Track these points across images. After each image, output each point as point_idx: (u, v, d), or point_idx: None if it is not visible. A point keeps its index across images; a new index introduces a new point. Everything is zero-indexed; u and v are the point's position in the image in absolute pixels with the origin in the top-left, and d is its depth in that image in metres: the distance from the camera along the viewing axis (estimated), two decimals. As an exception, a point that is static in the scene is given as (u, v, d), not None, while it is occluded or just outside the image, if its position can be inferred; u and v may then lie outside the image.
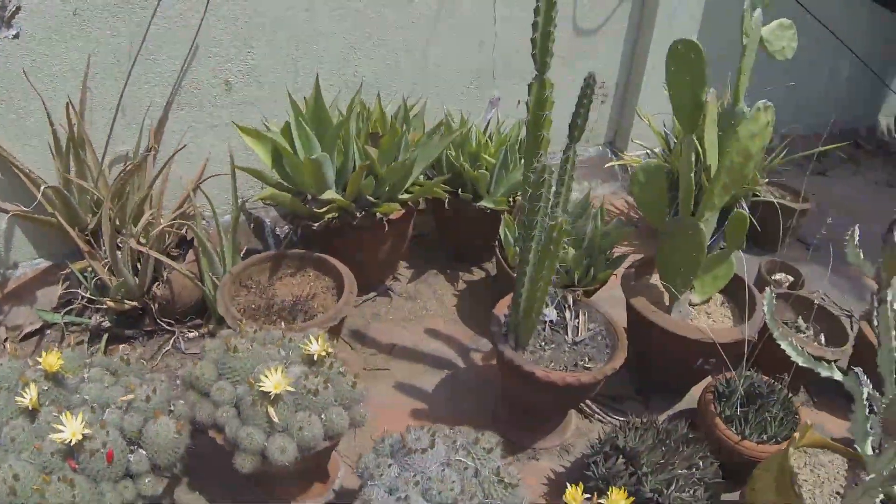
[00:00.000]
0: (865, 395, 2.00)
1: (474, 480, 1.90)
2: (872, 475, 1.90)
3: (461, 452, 1.97)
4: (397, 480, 1.88)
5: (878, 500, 2.00)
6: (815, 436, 2.26)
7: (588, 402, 2.89)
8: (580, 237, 3.15)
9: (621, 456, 2.27)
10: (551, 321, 2.59)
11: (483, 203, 3.38)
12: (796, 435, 2.19)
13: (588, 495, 1.78)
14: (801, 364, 2.06)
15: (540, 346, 2.52)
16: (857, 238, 1.91)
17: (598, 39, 4.58)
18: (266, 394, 1.90)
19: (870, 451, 1.99)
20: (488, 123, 3.76)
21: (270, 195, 2.89)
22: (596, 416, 2.87)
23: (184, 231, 3.06)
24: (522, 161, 2.54)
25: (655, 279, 3.10)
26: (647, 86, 4.71)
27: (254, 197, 2.93)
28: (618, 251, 3.34)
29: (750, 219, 3.27)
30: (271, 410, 1.90)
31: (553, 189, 2.29)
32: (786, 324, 3.22)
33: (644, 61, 4.68)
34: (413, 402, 2.83)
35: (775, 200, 4.15)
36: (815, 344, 3.06)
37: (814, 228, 4.78)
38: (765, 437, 2.51)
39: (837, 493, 2.13)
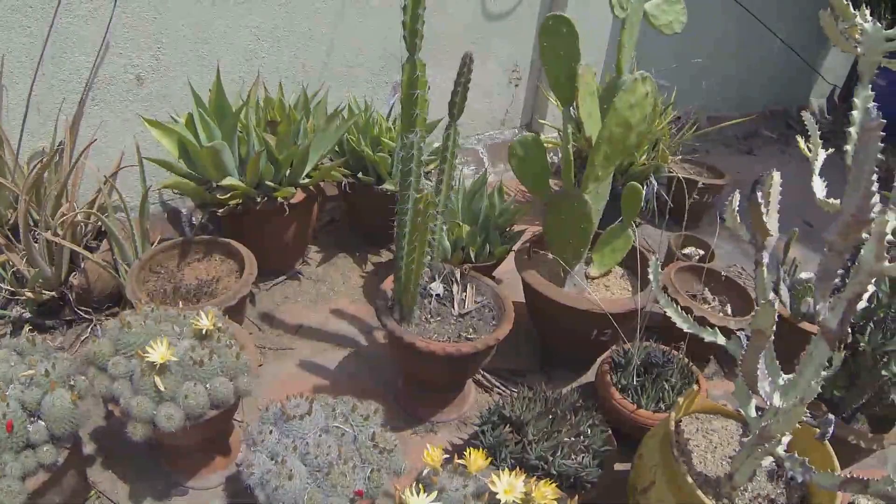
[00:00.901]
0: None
1: (352, 446, 2.03)
2: (751, 435, 1.93)
3: (339, 419, 2.11)
4: (278, 446, 2.01)
5: (766, 463, 2.12)
6: (706, 401, 2.33)
7: (488, 376, 3.02)
8: (475, 214, 3.29)
9: (508, 425, 2.36)
10: (438, 295, 2.71)
11: (385, 186, 3.53)
12: (680, 400, 2.24)
13: (447, 455, 1.92)
14: (685, 330, 2.06)
15: (426, 318, 2.63)
16: (735, 204, 2.00)
17: (510, 23, 4.71)
18: (153, 364, 2.04)
19: (753, 413, 2.01)
20: (391, 109, 3.87)
21: (174, 183, 3.00)
22: (495, 389, 2.98)
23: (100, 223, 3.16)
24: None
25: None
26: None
27: (157, 185, 3.04)
28: (520, 229, 3.49)
29: (661, 194, 3.43)
30: (157, 380, 2.03)
31: (432, 166, 2.39)
32: (693, 296, 3.35)
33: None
34: (316, 379, 2.95)
35: (681, 175, 4.28)
36: (720, 314, 3.19)
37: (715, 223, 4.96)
38: (662, 407, 2.61)
39: (730, 457, 2.17)
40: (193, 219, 3.59)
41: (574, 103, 2.55)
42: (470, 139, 4.96)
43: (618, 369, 2.76)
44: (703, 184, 4.40)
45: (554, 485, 1.77)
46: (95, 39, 3.14)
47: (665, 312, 2.10)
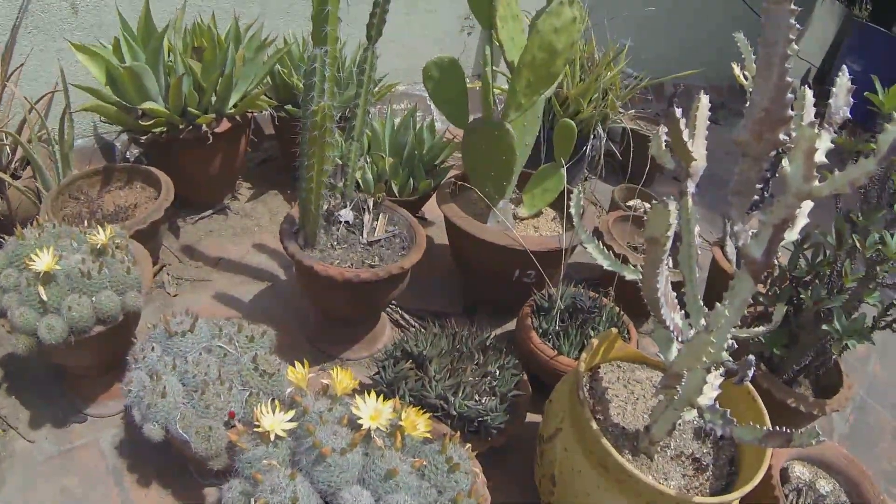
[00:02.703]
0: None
1: (233, 368, 2.04)
2: (660, 382, 1.83)
3: (223, 339, 2.13)
4: (158, 364, 2.03)
5: (691, 417, 2.01)
6: (630, 349, 2.25)
7: (406, 315, 3.04)
8: (401, 147, 3.29)
9: (411, 360, 2.31)
10: (347, 222, 2.71)
11: (317, 119, 3.52)
12: (594, 341, 2.12)
13: (320, 369, 1.92)
14: (606, 267, 1.96)
15: (331, 245, 2.63)
16: (662, 135, 1.90)
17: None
18: (38, 274, 2.04)
19: (672, 357, 1.86)
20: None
21: (93, 105, 2.97)
22: (412, 328, 2.97)
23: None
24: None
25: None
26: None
27: (78, 108, 3.03)
28: (452, 167, 3.49)
29: (612, 149, 3.40)
30: (41, 289, 2.03)
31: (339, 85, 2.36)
32: (634, 248, 3.34)
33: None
34: (228, 311, 2.97)
35: (630, 127, 4.31)
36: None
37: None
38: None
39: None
40: (128, 153, 3.59)
41: (494, 26, 2.51)
42: (418, 86, 4.95)
43: (540, 313, 2.70)
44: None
45: (427, 415, 1.72)
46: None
47: (588, 251, 2.02)
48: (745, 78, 2.11)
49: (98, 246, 2.22)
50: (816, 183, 1.34)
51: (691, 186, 1.71)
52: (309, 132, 2.33)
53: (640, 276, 1.69)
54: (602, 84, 4.07)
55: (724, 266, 3.08)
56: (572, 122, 2.83)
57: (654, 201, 1.55)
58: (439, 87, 2.82)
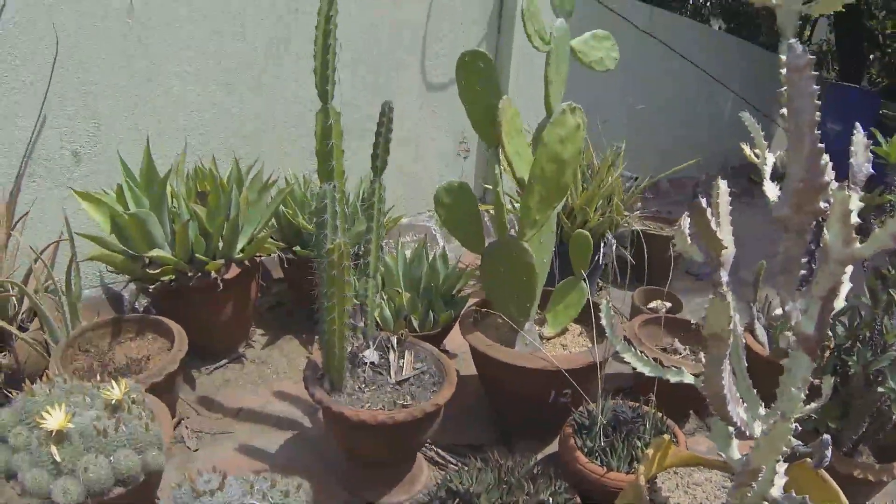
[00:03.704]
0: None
1: None
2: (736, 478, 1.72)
3: (256, 496, 1.98)
4: None
5: None
6: (684, 452, 2.15)
7: (441, 452, 2.87)
8: (416, 280, 3.19)
9: (457, 499, 2.15)
10: (373, 363, 2.59)
11: (327, 260, 3.43)
12: (648, 451, 2.05)
13: None
14: (647, 374, 1.91)
15: (359, 388, 2.50)
16: (685, 226, 1.84)
17: (453, 93, 4.66)
18: (50, 433, 1.90)
19: (736, 455, 1.80)
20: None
21: (100, 255, 2.89)
22: (451, 465, 2.82)
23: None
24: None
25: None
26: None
27: (85, 257, 2.94)
28: (469, 295, 3.39)
29: (623, 253, 3.31)
30: (54, 449, 1.89)
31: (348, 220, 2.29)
32: (663, 349, 3.22)
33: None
34: (255, 463, 2.80)
35: (639, 229, 4.21)
36: (692, 362, 3.04)
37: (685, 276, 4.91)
38: (637, 467, 2.34)
39: None
40: (137, 304, 3.48)
41: (500, 143, 2.46)
42: (421, 216, 4.89)
43: (582, 431, 2.56)
44: (666, 235, 4.33)
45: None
46: (31, 114, 3.08)
47: (626, 361, 1.96)
48: (757, 156, 2.02)
49: (113, 401, 2.09)
50: (857, 245, 1.31)
51: (724, 276, 1.61)
52: (326, 272, 2.24)
53: (702, 376, 1.63)
54: (604, 190, 4.03)
55: (757, 349, 2.99)
56: (587, 233, 2.79)
57: (710, 296, 1.45)
58: (451, 212, 2.76)
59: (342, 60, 2.23)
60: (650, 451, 2.02)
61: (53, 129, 3.16)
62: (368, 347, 2.63)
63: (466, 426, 3.04)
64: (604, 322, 2.05)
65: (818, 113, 1.22)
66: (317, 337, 3.54)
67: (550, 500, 2.13)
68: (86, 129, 3.26)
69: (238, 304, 3.33)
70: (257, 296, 3.50)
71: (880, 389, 2.22)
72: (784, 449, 1.55)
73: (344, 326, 2.33)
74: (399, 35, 4.34)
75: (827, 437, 1.60)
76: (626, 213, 4.16)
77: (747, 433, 1.67)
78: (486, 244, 2.76)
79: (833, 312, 1.45)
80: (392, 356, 2.64)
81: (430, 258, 3.33)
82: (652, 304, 3.75)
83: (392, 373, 2.58)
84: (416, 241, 3.43)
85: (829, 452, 1.60)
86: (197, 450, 2.85)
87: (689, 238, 1.73)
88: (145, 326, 3.02)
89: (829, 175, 1.28)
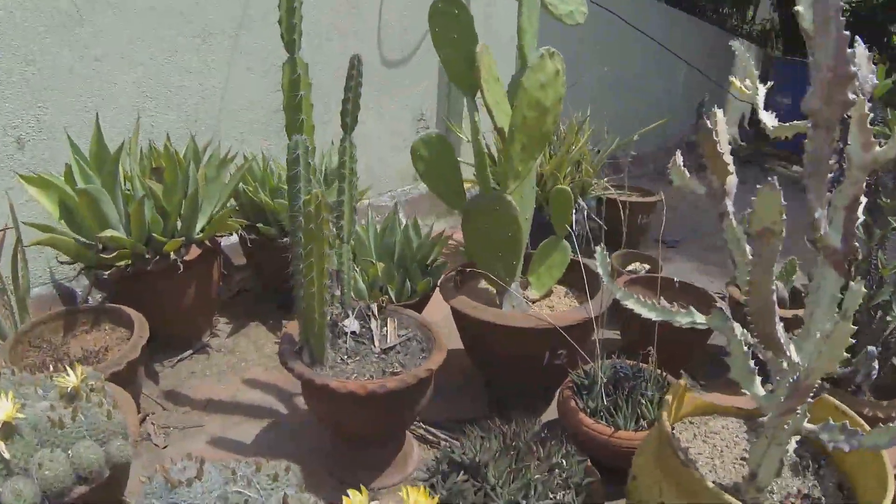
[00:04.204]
0: (739, 332, 1.61)
1: None
2: (770, 414, 1.56)
3: (240, 483, 1.65)
4: None
5: (791, 448, 1.72)
6: (697, 400, 1.96)
7: (431, 429, 2.59)
8: (389, 249, 2.89)
9: (462, 471, 1.89)
10: (354, 332, 2.30)
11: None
12: (668, 398, 1.85)
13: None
14: (654, 318, 1.76)
15: (342, 359, 2.21)
16: (679, 160, 1.67)
17: (410, 70, 4.43)
18: (-4, 428, 1.55)
19: (761, 390, 1.61)
20: None
21: (49, 239, 2.55)
22: (443, 442, 2.53)
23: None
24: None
25: (485, 283, 2.82)
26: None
27: (29, 242, 2.57)
28: (445, 263, 3.14)
29: (594, 218, 3.08)
30: (2, 446, 1.55)
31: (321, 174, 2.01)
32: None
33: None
34: (230, 455, 2.49)
35: (609, 196, 4.11)
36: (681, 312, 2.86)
37: (675, 231, 4.71)
38: (644, 425, 2.24)
39: (741, 457, 1.81)
40: (90, 299, 3.11)
41: (479, 89, 2.22)
42: (383, 196, 4.58)
43: (582, 392, 2.36)
44: (635, 201, 4.18)
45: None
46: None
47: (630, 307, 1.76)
48: (748, 88, 1.93)
49: (69, 390, 1.76)
50: (877, 149, 1.29)
51: (730, 205, 1.60)
52: (303, 227, 1.92)
53: (748, 282, 1.47)
54: (573, 155, 3.90)
55: (738, 298, 2.87)
56: (567, 189, 2.61)
57: (759, 186, 1.22)
58: (430, 165, 2.53)
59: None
60: (669, 398, 1.83)
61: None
62: (348, 316, 2.33)
63: (454, 401, 2.75)
64: (599, 269, 1.87)
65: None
66: (284, 322, 3.25)
67: (564, 462, 1.91)
68: (31, 114, 2.89)
69: (200, 288, 2.98)
70: (220, 280, 3.16)
71: (888, 318, 2.15)
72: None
73: (324, 288, 2.02)
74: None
75: (872, 348, 1.57)
76: (594, 181, 4.03)
77: (788, 353, 1.52)
78: (468, 199, 2.53)
79: (857, 223, 1.39)
80: (374, 324, 2.35)
81: (403, 226, 3.01)
82: (631, 267, 3.63)
83: (376, 341, 2.29)
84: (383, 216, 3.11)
85: (875, 365, 1.42)
86: (166, 446, 2.52)
87: (685, 172, 1.73)
88: (101, 316, 2.67)
89: (856, 65, 1.23)
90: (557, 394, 2.43)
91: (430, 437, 2.55)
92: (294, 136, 1.96)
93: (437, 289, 2.78)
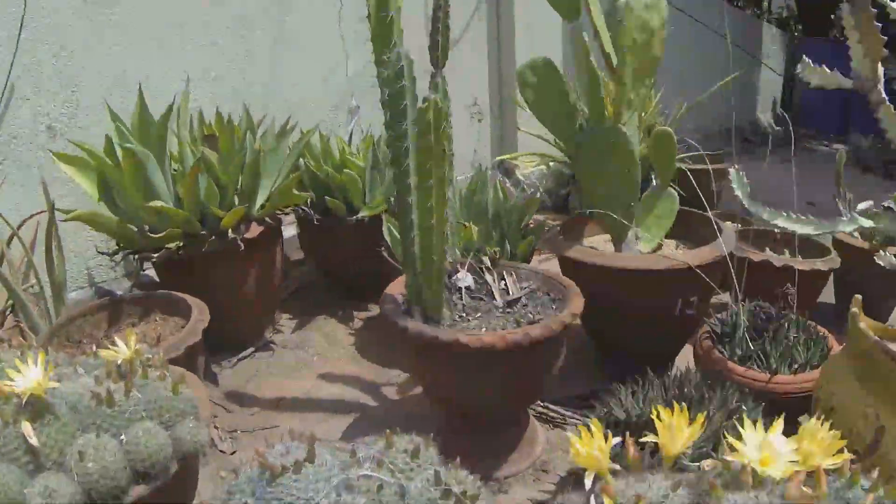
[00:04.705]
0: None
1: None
2: None
3: (367, 465, 1.14)
4: None
5: None
6: (878, 325, 1.51)
7: (551, 406, 2.10)
8: (482, 210, 2.40)
9: (628, 432, 1.41)
10: (468, 287, 1.82)
11: (362, 213, 2.59)
12: (855, 309, 1.46)
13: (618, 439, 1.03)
14: (812, 232, 1.60)
15: (460, 317, 1.73)
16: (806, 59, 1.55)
17: (457, 54, 3.94)
18: (21, 400, 1.07)
19: None
20: (351, 135, 3.08)
21: (89, 214, 2.08)
22: (569, 419, 2.07)
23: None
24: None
25: (589, 241, 2.40)
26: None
27: (68, 217, 2.07)
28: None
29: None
30: (27, 427, 1.04)
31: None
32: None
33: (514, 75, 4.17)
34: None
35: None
36: (799, 258, 2.53)
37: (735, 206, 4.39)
38: (796, 367, 1.89)
39: None
40: (134, 291, 2.62)
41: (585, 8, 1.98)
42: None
43: (724, 341, 1.99)
44: (712, 169, 3.76)
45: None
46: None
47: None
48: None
49: (119, 364, 1.25)
50: None
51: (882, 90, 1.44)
52: (419, 141, 1.47)
53: None
54: (646, 118, 3.61)
55: (856, 243, 2.57)
56: (670, 130, 2.22)
57: None
58: (539, 93, 2.17)
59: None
60: (856, 309, 1.48)
61: (24, 98, 2.35)
62: (457, 272, 1.84)
63: (568, 376, 2.19)
64: (738, 191, 1.71)
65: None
66: (356, 314, 2.73)
67: (742, 405, 1.55)
68: (63, 99, 2.44)
69: (261, 275, 2.47)
70: (283, 268, 2.65)
71: None
72: None
73: (445, 221, 1.52)
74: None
75: None
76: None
77: None
78: (580, 132, 2.14)
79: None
80: (490, 278, 1.86)
81: (494, 186, 2.51)
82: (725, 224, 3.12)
83: (496, 294, 1.81)
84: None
85: None
86: (234, 452, 2.04)
87: (826, 69, 1.58)
88: (152, 306, 2.18)
89: None
90: (694, 347, 2.05)
91: (553, 415, 2.08)
92: (395, 49, 1.52)
93: (535, 254, 2.41)
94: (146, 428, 1.13)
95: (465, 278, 1.80)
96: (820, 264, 2.40)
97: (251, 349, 2.55)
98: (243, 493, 1.11)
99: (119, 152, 2.13)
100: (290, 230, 2.91)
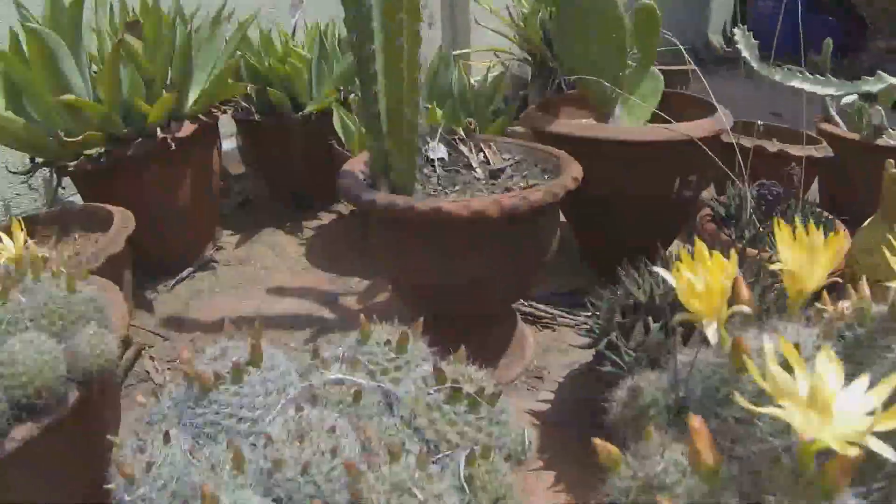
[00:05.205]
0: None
1: (389, 420, 0.81)
2: None
3: (336, 367, 0.83)
4: (186, 470, 0.74)
5: None
6: None
7: (537, 304, 1.79)
8: (446, 90, 2.07)
9: (650, 317, 1.17)
10: (441, 159, 1.49)
11: (308, 109, 2.23)
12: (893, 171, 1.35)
13: None
14: (834, 93, 1.53)
15: (435, 191, 1.40)
16: None
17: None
18: None
19: None
20: (294, 30, 2.66)
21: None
22: (559, 319, 1.76)
23: None
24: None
25: (567, 115, 2.05)
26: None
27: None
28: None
29: None
30: None
31: None
32: None
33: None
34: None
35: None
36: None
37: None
38: None
39: None
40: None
41: None
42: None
43: (728, 223, 1.76)
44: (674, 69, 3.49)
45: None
46: None
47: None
48: None
49: (2, 263, 0.91)
50: None
51: None
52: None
53: None
54: None
55: (846, 135, 2.32)
56: (653, 4, 1.85)
57: None
58: None
59: None
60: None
61: None
62: (427, 143, 1.49)
63: (551, 272, 1.87)
64: (745, 53, 1.63)
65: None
66: (304, 222, 2.41)
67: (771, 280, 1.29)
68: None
69: (199, 181, 2.08)
70: (223, 176, 2.30)
71: None
72: None
73: (415, 88, 1.22)
74: None
75: None
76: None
77: None
78: None
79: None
80: (465, 149, 1.53)
81: (454, 67, 2.16)
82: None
83: (475, 166, 1.48)
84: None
85: None
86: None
87: None
88: (70, 223, 1.82)
89: None
90: (697, 229, 1.79)
91: (541, 314, 1.77)
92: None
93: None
94: (25, 340, 0.78)
95: (437, 149, 1.47)
96: (814, 151, 2.17)
97: (190, 269, 2.17)
98: (166, 422, 0.78)
99: (24, 40, 1.73)
100: (230, 143, 2.57)
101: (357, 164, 1.43)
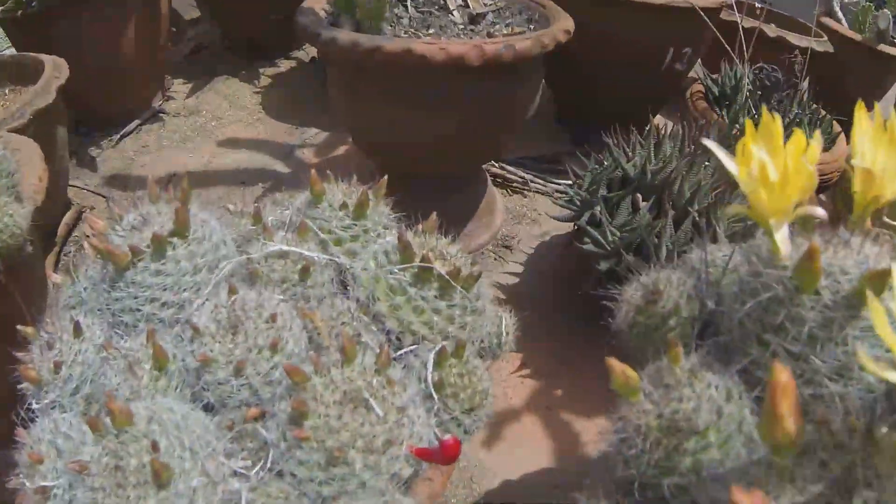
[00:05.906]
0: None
1: (346, 304, 0.66)
2: None
3: (281, 235, 0.69)
4: (102, 371, 0.59)
5: None
6: None
7: (508, 167, 1.63)
8: None
9: (640, 194, 1.04)
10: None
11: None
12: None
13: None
14: None
15: (406, 34, 1.19)
16: None
17: None
18: None
19: None
20: None
21: None
22: (532, 184, 1.61)
23: None
24: None
25: None
26: None
27: None
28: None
29: None
30: None
31: None
32: None
33: None
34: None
35: None
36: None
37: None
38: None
39: None
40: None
41: None
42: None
43: (721, 103, 1.58)
44: None
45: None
46: None
47: None
48: None
49: None
50: None
51: None
52: None
53: None
54: None
55: (846, 33, 2.13)
56: None
57: None
58: None
59: None
60: None
61: None
62: None
63: (525, 135, 1.69)
64: None
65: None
66: (262, 70, 2.21)
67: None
68: None
69: (144, 25, 1.85)
70: (171, 20, 2.06)
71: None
72: None
73: None
74: None
75: None
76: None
77: None
78: None
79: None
80: None
81: None
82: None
83: (452, 7, 1.26)
84: None
85: None
86: None
87: None
88: None
89: None
90: (687, 103, 1.61)
91: (512, 178, 1.61)
92: None
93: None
94: None
95: (409, -14, 1.23)
96: (815, 44, 1.99)
97: (136, 122, 1.98)
98: (81, 306, 0.61)
99: None
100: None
101: (317, 3, 1.22)
